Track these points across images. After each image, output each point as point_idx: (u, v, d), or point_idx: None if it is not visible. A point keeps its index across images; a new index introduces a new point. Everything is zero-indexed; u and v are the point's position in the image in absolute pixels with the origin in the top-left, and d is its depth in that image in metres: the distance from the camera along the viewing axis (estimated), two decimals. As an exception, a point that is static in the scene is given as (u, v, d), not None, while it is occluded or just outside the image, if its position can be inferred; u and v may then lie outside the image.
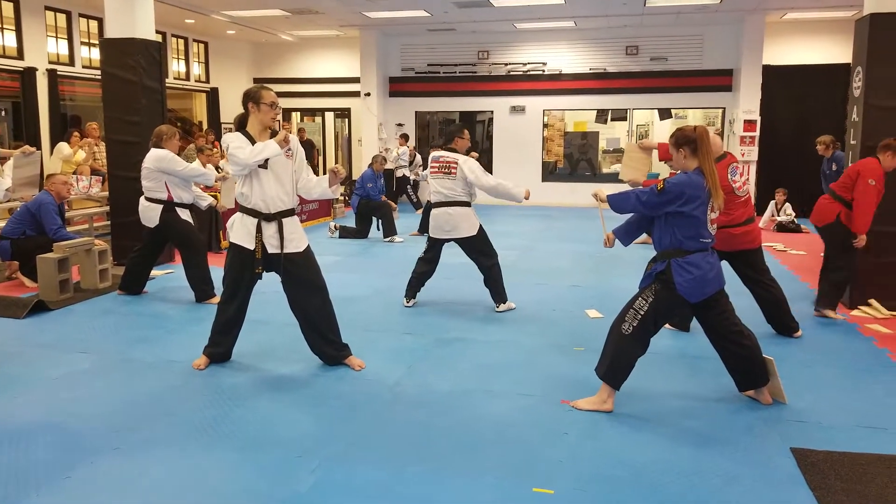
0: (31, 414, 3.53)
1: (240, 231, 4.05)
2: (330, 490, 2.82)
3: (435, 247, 5.73)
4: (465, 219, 5.54)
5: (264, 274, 4.10)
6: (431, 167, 5.65)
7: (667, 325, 4.86)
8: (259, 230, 3.99)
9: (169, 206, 5.76)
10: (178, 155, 5.90)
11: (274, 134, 4.01)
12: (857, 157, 5.76)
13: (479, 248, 5.59)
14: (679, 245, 3.46)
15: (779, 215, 10.81)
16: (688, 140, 3.47)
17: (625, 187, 5.09)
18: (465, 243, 5.59)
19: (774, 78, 12.56)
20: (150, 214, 5.77)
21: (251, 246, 4.01)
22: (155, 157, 5.67)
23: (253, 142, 3.95)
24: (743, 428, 3.41)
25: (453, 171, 5.49)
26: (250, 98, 4.02)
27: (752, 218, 4.83)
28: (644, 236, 4.00)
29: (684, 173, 3.49)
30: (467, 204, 5.58)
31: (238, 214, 4.09)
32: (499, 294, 5.64)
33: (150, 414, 3.53)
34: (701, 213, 3.43)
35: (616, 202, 3.66)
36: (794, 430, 3.39)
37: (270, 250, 4.02)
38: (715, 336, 3.64)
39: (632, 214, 3.79)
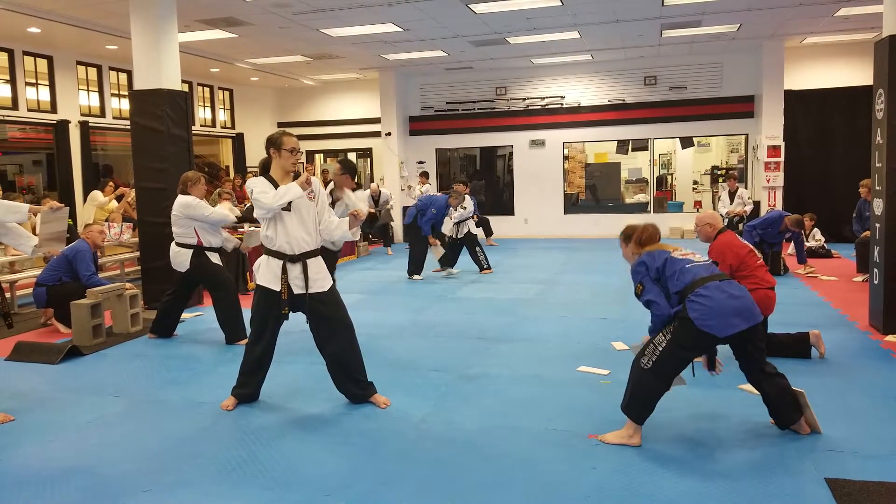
0: (63, 458, 3.58)
1: (266, 273, 4.12)
2: (357, 530, 2.81)
3: None
4: None
5: (291, 314, 4.16)
6: None
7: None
8: (284, 271, 4.06)
9: (199, 250, 5.88)
10: (206, 199, 6.06)
11: (297, 176, 4.11)
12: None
13: None
14: (679, 289, 3.50)
15: (808, 241, 10.65)
16: (626, 236, 3.83)
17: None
18: None
19: (797, 102, 12.51)
20: (180, 259, 5.91)
21: (277, 287, 4.07)
22: (182, 204, 5.82)
23: (276, 185, 4.05)
24: (775, 459, 3.34)
25: None
26: (272, 144, 4.13)
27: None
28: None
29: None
30: None
31: (264, 257, 4.17)
32: None
33: (180, 455, 3.56)
34: (671, 263, 3.56)
35: (657, 327, 3.57)
36: (828, 459, 3.32)
37: (296, 291, 4.08)
38: (753, 376, 3.59)
39: (657, 315, 3.61)
